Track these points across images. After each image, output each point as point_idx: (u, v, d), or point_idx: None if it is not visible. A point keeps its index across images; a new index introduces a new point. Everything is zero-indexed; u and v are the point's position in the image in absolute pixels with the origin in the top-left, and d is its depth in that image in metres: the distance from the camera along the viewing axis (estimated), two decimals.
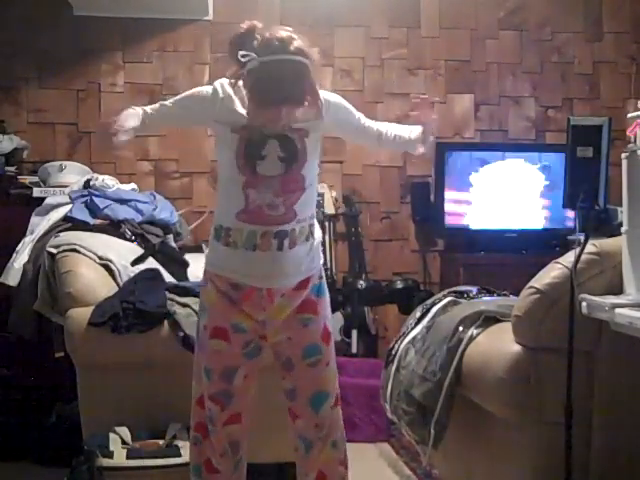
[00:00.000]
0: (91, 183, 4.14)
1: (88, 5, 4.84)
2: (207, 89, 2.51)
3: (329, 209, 4.94)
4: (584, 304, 2.40)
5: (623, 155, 2.46)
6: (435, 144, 5.03)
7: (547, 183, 4.96)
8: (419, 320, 3.23)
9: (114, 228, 3.87)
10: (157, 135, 4.79)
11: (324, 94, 2.52)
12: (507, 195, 5.00)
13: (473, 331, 2.84)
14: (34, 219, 3.99)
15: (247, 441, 2.65)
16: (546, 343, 2.54)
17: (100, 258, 3.51)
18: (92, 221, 3.88)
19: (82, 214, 3.89)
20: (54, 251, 3.52)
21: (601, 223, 3.70)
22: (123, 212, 3.98)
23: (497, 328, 2.82)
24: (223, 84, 2.48)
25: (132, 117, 2.51)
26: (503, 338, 2.68)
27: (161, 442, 3.06)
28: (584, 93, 5.34)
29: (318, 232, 2.60)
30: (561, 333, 2.42)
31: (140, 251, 3.76)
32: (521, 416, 2.58)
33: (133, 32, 4.99)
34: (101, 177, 4.24)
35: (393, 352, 3.25)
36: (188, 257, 3.95)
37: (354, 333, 4.73)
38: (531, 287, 2.60)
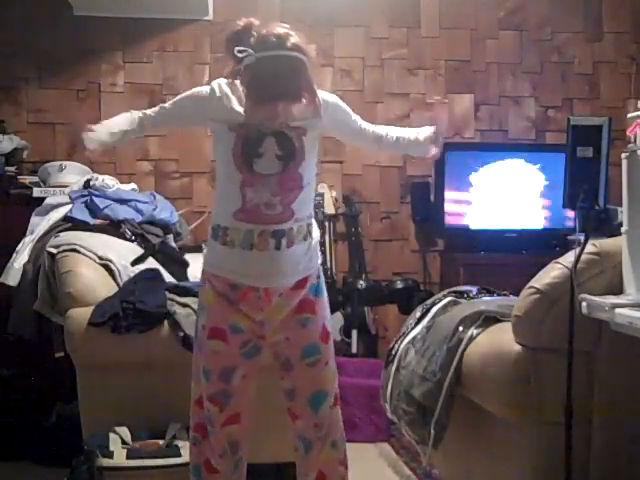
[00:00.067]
0: (91, 183, 4.14)
1: (88, 5, 4.85)
2: (204, 89, 2.52)
3: (329, 209, 4.95)
4: (584, 304, 2.40)
5: (623, 155, 2.46)
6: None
7: (547, 183, 4.96)
8: (419, 320, 3.23)
9: (114, 228, 3.87)
10: (157, 135, 4.79)
11: (322, 94, 2.52)
12: (507, 195, 5.00)
13: (473, 331, 2.84)
14: (34, 219, 3.99)
15: (247, 441, 2.65)
16: (546, 343, 2.54)
17: (100, 258, 3.51)
18: (92, 221, 3.88)
19: (82, 214, 3.89)
20: (54, 251, 3.52)
21: (601, 223, 3.70)
22: (123, 212, 3.98)
23: (497, 328, 2.81)
24: (220, 83, 2.48)
25: (108, 130, 2.57)
26: (503, 338, 2.68)
27: (161, 442, 3.06)
28: (584, 93, 5.35)
29: (316, 231, 2.60)
30: (561, 333, 2.42)
31: (140, 251, 3.76)
32: (521, 416, 2.58)
33: (133, 32, 4.99)
34: (101, 177, 4.24)
35: (393, 352, 3.25)
36: (188, 257, 3.96)
37: (354, 333, 4.73)
38: (531, 287, 2.60)
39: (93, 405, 3.24)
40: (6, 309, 3.80)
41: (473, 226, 5.00)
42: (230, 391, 2.55)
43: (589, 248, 2.50)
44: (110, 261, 3.52)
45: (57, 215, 3.94)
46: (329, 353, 2.63)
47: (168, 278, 3.65)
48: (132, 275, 3.50)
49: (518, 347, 2.59)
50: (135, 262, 3.64)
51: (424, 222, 5.14)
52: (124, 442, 3.03)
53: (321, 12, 5.11)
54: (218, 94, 2.47)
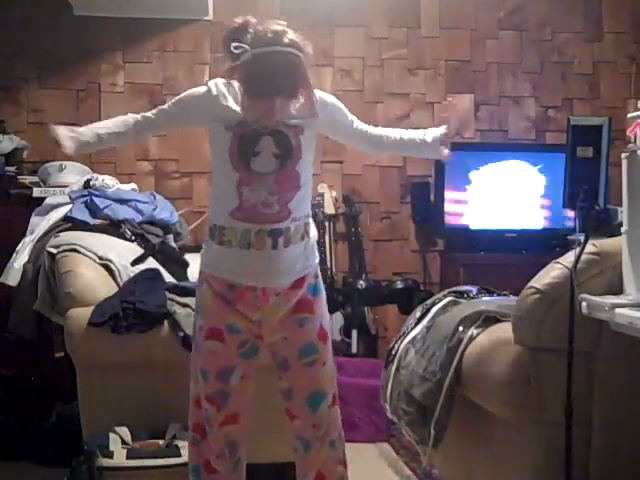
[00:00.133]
0: (91, 183, 4.14)
1: (88, 5, 4.85)
2: (201, 88, 2.53)
3: (329, 209, 4.95)
4: (584, 304, 2.40)
5: (623, 155, 2.46)
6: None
7: (547, 183, 4.96)
8: (419, 320, 3.23)
9: (114, 228, 3.87)
10: (157, 135, 4.79)
11: (320, 93, 2.53)
12: (507, 195, 5.00)
13: (473, 331, 2.84)
14: (34, 219, 3.99)
15: (245, 441, 2.65)
16: (546, 343, 2.54)
17: (100, 258, 3.51)
18: (92, 221, 3.88)
19: (82, 214, 3.89)
20: (54, 251, 3.53)
21: (601, 223, 3.70)
22: (123, 212, 3.98)
23: (497, 328, 2.81)
24: (217, 83, 2.49)
25: (93, 132, 2.61)
26: (503, 338, 2.68)
27: (161, 442, 3.06)
28: (584, 93, 5.35)
29: (314, 231, 2.60)
30: (561, 333, 2.41)
31: (140, 251, 3.76)
32: (521, 416, 2.58)
33: (133, 32, 4.99)
34: (101, 177, 4.24)
35: (393, 352, 3.25)
36: (188, 257, 3.95)
37: (354, 333, 4.73)
38: (531, 287, 2.60)
39: (93, 405, 3.24)
40: (6, 309, 3.81)
41: (473, 226, 5.00)
42: (228, 391, 2.55)
43: (589, 248, 2.50)
44: (110, 261, 3.52)
45: (57, 215, 3.94)
46: (327, 353, 2.62)
47: (168, 278, 3.65)
48: (132, 275, 3.50)
49: (518, 347, 2.59)
50: (135, 262, 3.64)
51: (424, 222, 5.14)
52: (124, 442, 3.03)
53: (321, 12, 5.11)
54: (215, 93, 2.47)
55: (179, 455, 2.95)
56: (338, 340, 4.71)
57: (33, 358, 4.00)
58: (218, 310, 2.52)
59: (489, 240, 4.94)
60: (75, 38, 4.94)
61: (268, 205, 2.45)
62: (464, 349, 2.81)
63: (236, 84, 2.45)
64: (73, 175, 4.37)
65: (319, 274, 2.63)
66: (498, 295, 3.33)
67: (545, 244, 4.87)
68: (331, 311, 4.34)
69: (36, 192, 4.27)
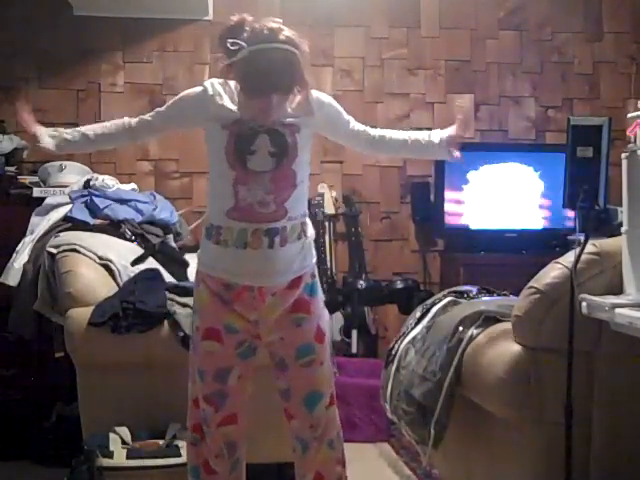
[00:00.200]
0: (91, 183, 4.14)
1: (88, 5, 4.85)
2: (197, 88, 2.53)
3: (329, 209, 4.95)
4: (584, 304, 2.40)
5: (623, 155, 2.46)
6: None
7: (547, 183, 4.96)
8: (419, 320, 3.23)
9: (114, 228, 3.87)
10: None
11: (317, 93, 2.53)
12: (507, 195, 5.00)
13: (473, 331, 2.84)
14: (34, 219, 3.99)
15: (244, 442, 2.64)
16: (546, 343, 2.54)
17: (100, 258, 3.51)
18: (92, 221, 3.88)
19: (82, 214, 3.89)
20: (54, 251, 3.52)
21: (601, 223, 3.71)
22: (123, 212, 3.98)
23: (497, 328, 2.81)
24: (213, 82, 2.49)
25: (79, 132, 2.65)
26: (503, 338, 2.68)
27: (161, 442, 3.06)
28: (584, 93, 5.35)
29: (311, 230, 2.59)
30: (561, 333, 2.42)
31: (140, 251, 3.76)
32: (521, 416, 2.58)
33: (133, 32, 4.99)
34: (101, 177, 4.24)
35: (393, 352, 3.25)
36: (188, 257, 3.95)
37: (354, 333, 4.73)
38: (531, 287, 2.60)
39: (93, 405, 3.24)
40: (6, 309, 3.80)
41: (473, 226, 5.00)
42: (226, 391, 2.54)
43: (589, 248, 2.50)
44: (110, 261, 3.52)
45: (57, 215, 3.93)
46: (324, 353, 2.60)
47: (168, 278, 3.65)
48: (132, 275, 3.50)
49: (518, 347, 2.59)
50: (135, 262, 3.64)
51: (424, 222, 5.14)
52: (124, 442, 3.03)
53: (321, 12, 5.11)
54: (211, 92, 2.47)
55: (179, 455, 2.94)
56: (338, 340, 4.71)
57: (33, 358, 4.01)
58: (215, 310, 2.52)
59: (489, 240, 4.94)
60: (75, 38, 4.94)
61: (264, 204, 2.44)
62: (464, 349, 2.81)
63: (232, 83, 2.46)
64: (73, 175, 4.37)
65: (316, 274, 2.62)
66: (498, 295, 3.33)
67: (545, 244, 4.87)
68: (331, 311, 4.37)
69: (36, 192, 4.27)
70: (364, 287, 4.77)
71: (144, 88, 4.99)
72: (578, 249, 2.41)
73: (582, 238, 2.43)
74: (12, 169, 4.45)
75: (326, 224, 4.95)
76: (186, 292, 3.33)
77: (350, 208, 5.06)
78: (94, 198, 3.98)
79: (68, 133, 2.65)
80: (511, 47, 5.31)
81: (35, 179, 4.40)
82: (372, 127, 2.71)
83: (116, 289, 3.39)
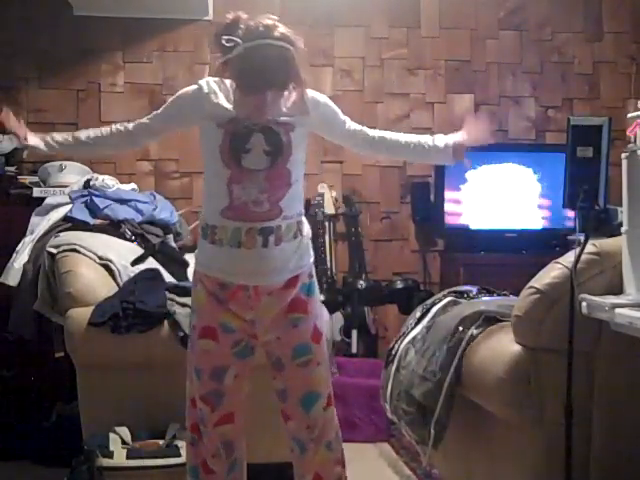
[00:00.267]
0: (91, 183, 4.14)
1: (88, 5, 4.85)
2: (192, 86, 2.54)
3: (329, 209, 4.95)
4: (584, 304, 2.40)
5: (623, 155, 2.46)
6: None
7: (547, 183, 4.95)
8: (419, 320, 3.23)
9: (114, 228, 3.87)
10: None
11: (313, 93, 2.53)
12: (507, 195, 5.00)
13: (473, 331, 2.84)
14: (34, 219, 3.99)
15: (242, 442, 2.64)
16: (546, 343, 2.54)
17: (100, 258, 3.51)
18: (92, 221, 3.88)
19: (82, 214, 3.89)
20: (54, 251, 3.52)
21: (601, 223, 3.70)
22: (123, 212, 3.98)
23: (497, 328, 2.81)
24: (208, 81, 2.50)
25: (50, 137, 2.68)
26: (503, 338, 2.68)
27: (161, 442, 3.06)
28: (584, 93, 5.35)
29: (307, 230, 2.58)
30: (561, 333, 2.42)
31: (140, 251, 3.76)
32: (521, 416, 2.58)
33: (133, 32, 4.99)
34: (101, 177, 4.24)
35: (393, 352, 3.25)
36: (188, 257, 3.95)
37: (354, 333, 4.74)
38: (531, 287, 2.60)
39: (93, 405, 3.24)
40: (6, 309, 3.80)
41: (473, 226, 5.00)
42: (222, 391, 2.54)
43: (589, 248, 2.50)
44: (110, 261, 3.52)
45: (57, 215, 3.94)
46: (321, 353, 2.60)
47: (168, 278, 3.65)
48: (132, 275, 3.50)
49: (518, 347, 2.59)
50: (135, 262, 3.64)
51: (424, 222, 5.14)
52: (124, 442, 3.03)
53: (321, 12, 5.11)
54: (206, 91, 2.48)
55: (179, 455, 2.95)
56: (338, 340, 4.71)
57: (33, 358, 4.01)
58: (211, 309, 2.53)
59: (489, 240, 4.94)
60: (75, 38, 4.94)
61: (259, 203, 2.44)
62: (464, 349, 2.81)
63: (228, 82, 2.46)
64: (73, 175, 4.37)
65: (314, 274, 2.62)
66: (498, 295, 3.33)
67: (545, 244, 4.87)
68: (331, 311, 4.37)
69: (36, 192, 4.27)
70: (364, 287, 4.78)
71: (144, 88, 4.99)
72: (578, 249, 2.41)
73: (582, 238, 2.43)
74: (12, 169, 4.45)
75: (326, 224, 4.95)
76: (186, 292, 3.32)
77: (350, 208, 5.06)
78: (94, 198, 3.99)
79: (59, 134, 2.66)
80: (511, 47, 5.31)
81: (35, 179, 4.40)
82: (370, 128, 2.71)
83: (116, 289, 3.39)
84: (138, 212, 4.03)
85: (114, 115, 4.92)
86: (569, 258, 2.50)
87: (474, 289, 3.36)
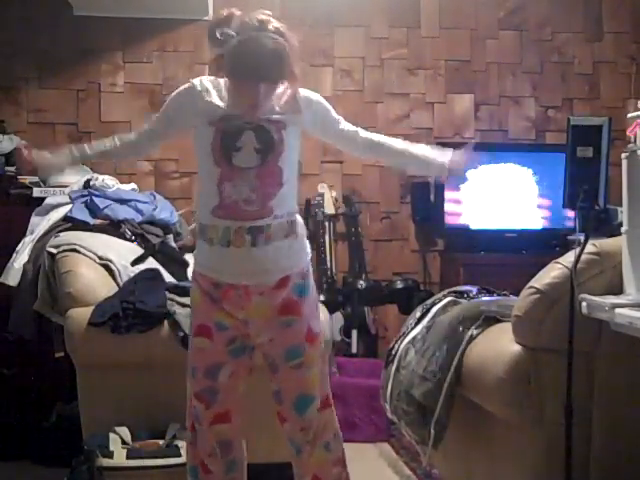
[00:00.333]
0: (91, 183, 4.14)
1: (88, 5, 4.85)
2: (185, 85, 2.55)
3: (329, 209, 4.95)
4: (584, 304, 2.40)
5: (623, 155, 2.46)
6: (435, 145, 5.04)
7: (547, 183, 4.95)
8: (419, 320, 3.23)
9: (114, 228, 3.87)
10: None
11: (306, 92, 2.54)
12: (507, 195, 5.00)
13: (473, 331, 2.84)
14: (34, 219, 3.99)
15: (240, 442, 2.63)
16: (546, 343, 2.54)
17: (100, 258, 3.51)
18: (92, 221, 3.88)
19: (82, 214, 3.89)
20: (54, 251, 3.52)
21: (601, 223, 3.71)
22: (123, 212, 3.98)
23: (497, 328, 2.81)
24: (202, 79, 2.51)
25: (79, 151, 2.63)
26: (503, 338, 2.68)
27: (161, 442, 3.06)
28: (584, 93, 5.35)
29: (301, 229, 2.56)
30: (561, 333, 2.41)
31: (140, 251, 3.76)
32: (521, 416, 2.58)
33: (133, 32, 4.99)
34: (101, 177, 4.24)
35: (393, 352, 3.25)
36: (188, 257, 3.95)
37: (354, 333, 4.73)
38: (531, 287, 2.60)
39: (93, 405, 3.24)
40: (6, 309, 3.80)
41: (473, 226, 5.00)
42: (216, 388, 2.54)
43: (589, 248, 2.50)
44: (110, 261, 3.52)
45: (57, 215, 3.93)
46: (315, 355, 2.57)
47: (168, 278, 3.65)
48: (132, 275, 3.50)
49: (518, 347, 2.59)
50: (135, 262, 3.64)
51: (424, 222, 5.14)
52: (124, 442, 3.03)
53: (321, 12, 5.11)
54: (199, 89, 2.49)
55: (179, 455, 2.94)
56: (338, 340, 4.71)
57: (33, 358, 4.00)
58: (206, 308, 2.53)
59: (489, 240, 4.94)
60: (75, 38, 4.94)
61: (249, 202, 2.43)
62: (464, 349, 2.81)
63: (222, 81, 2.47)
64: (73, 175, 4.35)
65: (308, 274, 2.57)
66: (498, 295, 3.32)
67: (545, 244, 4.87)
68: (331, 311, 4.36)
69: (36, 192, 4.27)
70: (364, 287, 4.77)
71: (144, 88, 4.99)
72: (578, 249, 2.41)
73: (582, 238, 2.43)
74: (12, 169, 4.45)
75: (326, 224, 4.95)
76: (186, 292, 3.32)
77: (350, 208, 5.06)
78: (94, 198, 3.98)
79: (65, 148, 2.66)
80: (511, 47, 5.31)
81: (35, 179, 4.39)
82: (369, 129, 2.69)
83: (116, 289, 3.39)
84: (138, 212, 4.03)
85: (114, 115, 4.93)
86: (569, 258, 2.50)
87: (474, 289, 3.36)
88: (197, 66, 5.01)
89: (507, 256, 4.80)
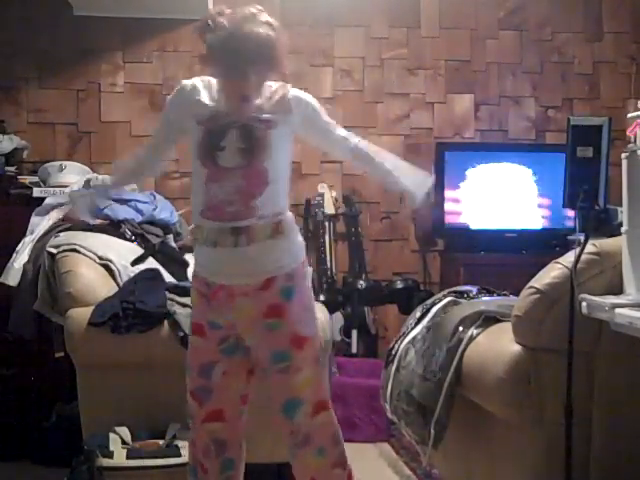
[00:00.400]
0: (91, 183, 4.14)
1: (88, 5, 4.84)
2: (176, 87, 2.56)
3: (329, 209, 4.95)
4: (584, 304, 2.39)
5: (623, 155, 2.46)
6: (435, 145, 5.05)
7: (547, 183, 4.95)
8: (419, 320, 3.23)
9: (114, 228, 3.87)
10: None
11: (297, 92, 2.53)
12: (507, 195, 5.00)
13: (473, 331, 2.84)
14: (34, 219, 3.99)
15: (237, 442, 2.62)
16: (546, 343, 2.54)
17: (100, 258, 3.51)
18: (92, 221, 3.88)
19: None
20: (54, 251, 3.52)
21: (601, 223, 3.70)
22: (123, 212, 3.98)
23: (497, 328, 2.81)
24: (194, 80, 2.52)
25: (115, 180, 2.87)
26: (503, 338, 2.68)
27: (161, 442, 3.06)
28: (584, 93, 5.34)
29: (291, 230, 2.51)
30: (561, 333, 2.41)
31: (140, 251, 3.76)
32: (521, 416, 2.58)
33: (133, 32, 4.99)
34: (101, 177, 4.24)
35: (393, 352, 3.25)
36: (188, 257, 3.95)
37: (354, 333, 4.73)
38: (531, 287, 2.60)
39: (93, 405, 3.24)
40: (6, 309, 3.80)
41: (473, 226, 5.00)
42: (210, 387, 2.54)
43: (589, 248, 2.50)
44: (110, 261, 3.52)
45: (57, 215, 3.93)
46: (303, 359, 2.51)
47: (168, 278, 3.65)
48: (132, 275, 3.50)
49: (518, 347, 2.59)
50: (135, 262, 3.64)
51: (424, 222, 5.14)
52: (124, 442, 3.03)
53: (321, 12, 5.11)
54: (189, 89, 2.50)
55: (179, 455, 2.94)
56: (338, 340, 4.71)
57: (33, 358, 4.00)
58: (202, 307, 2.55)
59: (489, 240, 4.94)
60: (75, 38, 4.94)
61: (231, 203, 2.42)
62: (464, 349, 2.81)
63: (214, 81, 2.48)
64: (73, 175, 4.37)
65: (297, 277, 2.51)
66: (498, 295, 3.32)
67: (545, 244, 4.86)
68: (331, 311, 4.36)
69: (36, 192, 4.27)
70: (364, 287, 4.77)
71: (144, 88, 4.99)
72: (578, 249, 2.41)
73: (582, 238, 2.43)
74: (12, 169, 4.45)
75: (326, 224, 4.95)
76: (186, 292, 3.32)
77: (350, 208, 5.06)
78: None
79: (99, 187, 2.84)
80: (511, 47, 5.31)
81: (35, 179, 4.40)
82: (366, 130, 2.69)
83: (116, 289, 3.39)
84: (138, 212, 4.03)
85: (114, 115, 4.93)
86: (569, 258, 2.50)
87: (474, 289, 3.36)
88: (197, 66, 4.99)
89: (507, 256, 4.80)
